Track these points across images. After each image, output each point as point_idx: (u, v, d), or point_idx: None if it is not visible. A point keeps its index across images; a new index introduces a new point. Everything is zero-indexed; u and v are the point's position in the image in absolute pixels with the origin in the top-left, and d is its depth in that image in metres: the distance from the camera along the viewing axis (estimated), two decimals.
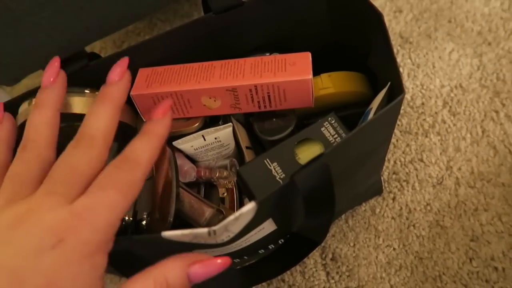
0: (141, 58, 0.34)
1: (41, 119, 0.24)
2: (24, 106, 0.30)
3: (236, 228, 0.25)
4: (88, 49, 0.41)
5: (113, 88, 0.25)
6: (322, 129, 0.31)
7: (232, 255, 0.31)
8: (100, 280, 0.21)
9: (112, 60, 0.32)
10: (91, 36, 0.40)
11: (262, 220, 0.28)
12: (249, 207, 0.23)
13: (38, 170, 0.23)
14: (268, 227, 0.29)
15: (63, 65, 0.33)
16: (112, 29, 0.41)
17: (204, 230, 0.23)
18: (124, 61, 0.26)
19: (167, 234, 0.23)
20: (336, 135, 0.31)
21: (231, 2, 0.32)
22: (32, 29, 0.34)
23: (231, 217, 0.23)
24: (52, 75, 0.25)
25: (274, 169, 0.30)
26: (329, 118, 0.31)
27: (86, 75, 0.31)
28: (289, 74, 0.29)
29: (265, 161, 0.30)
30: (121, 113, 0.25)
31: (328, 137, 0.31)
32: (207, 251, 0.28)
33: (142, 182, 0.23)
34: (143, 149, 0.23)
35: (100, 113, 0.24)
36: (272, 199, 0.25)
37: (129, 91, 0.31)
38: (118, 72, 0.26)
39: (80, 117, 0.27)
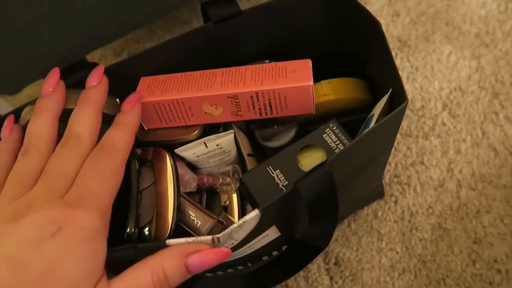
0: (142, 67, 0.34)
1: (41, 125, 0.25)
2: (26, 109, 0.31)
3: (240, 236, 0.25)
4: (88, 57, 0.41)
5: (92, 91, 0.27)
6: (324, 135, 0.31)
7: (235, 262, 0.31)
8: (101, 265, 0.22)
9: (113, 69, 0.33)
10: (91, 45, 0.40)
11: (266, 228, 0.28)
12: (253, 214, 0.24)
13: (39, 171, 0.24)
14: (271, 234, 0.29)
15: (65, 75, 0.33)
16: (112, 38, 0.41)
17: (209, 237, 0.23)
18: (100, 68, 0.28)
19: (172, 242, 0.23)
20: (338, 142, 0.31)
21: (230, 11, 0.32)
22: (33, 39, 0.34)
23: (235, 225, 0.23)
24: (51, 85, 0.27)
25: (277, 176, 0.30)
26: (331, 125, 0.32)
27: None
28: (290, 81, 0.30)
29: (267, 168, 0.30)
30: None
31: (330, 144, 0.31)
32: None
33: (122, 167, 0.24)
34: (119, 137, 0.25)
35: (83, 114, 0.26)
36: (275, 207, 0.25)
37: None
38: (95, 77, 0.28)
39: None
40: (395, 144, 0.47)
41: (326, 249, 0.43)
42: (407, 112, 0.49)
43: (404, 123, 0.48)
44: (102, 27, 0.38)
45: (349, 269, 0.42)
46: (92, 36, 0.39)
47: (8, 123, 0.28)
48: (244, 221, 0.23)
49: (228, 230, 0.23)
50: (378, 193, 0.43)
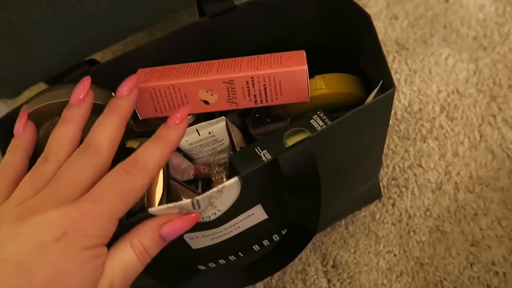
0: (140, 61, 0.34)
1: (65, 135, 0.25)
2: (23, 108, 0.31)
3: (222, 205, 0.25)
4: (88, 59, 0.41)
5: (121, 101, 0.27)
6: (311, 121, 0.33)
7: (226, 249, 0.31)
8: (102, 268, 0.22)
9: (111, 65, 0.33)
10: (91, 48, 0.41)
11: (250, 204, 0.28)
12: (232, 181, 0.24)
13: (52, 177, 0.24)
14: (258, 214, 0.29)
15: (65, 73, 0.34)
16: (111, 41, 0.42)
17: (188, 201, 0.23)
18: (133, 78, 0.28)
19: (154, 209, 0.24)
20: (324, 125, 0.32)
21: (225, 6, 0.32)
22: (33, 43, 0.35)
23: (214, 189, 0.24)
24: (81, 94, 0.27)
25: (264, 155, 0.31)
26: (318, 112, 0.33)
27: None
28: (285, 66, 0.30)
29: (255, 149, 0.31)
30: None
31: (316, 128, 0.32)
32: (197, 234, 0.29)
33: (146, 187, 0.24)
34: (154, 155, 0.24)
35: (107, 123, 0.25)
36: (256, 179, 0.25)
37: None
38: (128, 87, 0.27)
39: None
40: (393, 146, 0.48)
41: (324, 251, 0.43)
42: (405, 114, 0.49)
43: (402, 126, 0.49)
44: (102, 30, 0.39)
45: (346, 271, 0.42)
46: (92, 40, 0.39)
47: (21, 119, 0.28)
48: (223, 186, 0.24)
49: (207, 193, 0.23)
50: (375, 193, 0.43)
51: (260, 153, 0.31)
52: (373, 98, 0.29)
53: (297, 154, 0.25)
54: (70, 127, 0.26)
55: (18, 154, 0.26)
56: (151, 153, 0.24)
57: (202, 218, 0.26)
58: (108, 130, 0.25)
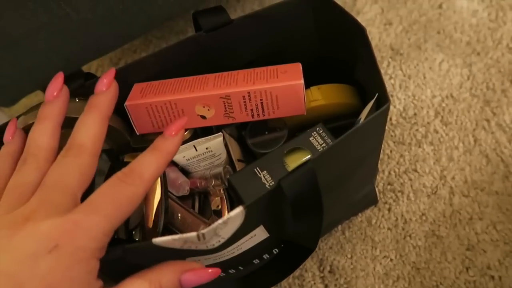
0: (137, 75, 0.34)
1: (42, 133, 0.25)
2: (20, 120, 0.31)
3: (226, 233, 0.25)
4: (85, 67, 0.41)
5: (100, 97, 0.25)
6: (311, 138, 0.32)
7: (226, 265, 0.31)
8: (94, 283, 0.22)
9: None
10: (87, 56, 0.41)
11: (253, 227, 0.28)
12: (237, 211, 0.24)
13: (36, 182, 0.23)
14: (259, 234, 0.29)
15: None
16: (108, 49, 0.42)
17: (193, 234, 0.23)
18: (110, 72, 0.26)
19: (158, 240, 0.23)
20: (324, 144, 0.32)
21: (221, 20, 0.33)
22: (30, 51, 0.35)
23: (220, 221, 0.23)
24: (55, 90, 0.26)
25: (264, 177, 0.31)
26: (317, 128, 0.32)
27: (82, 94, 0.32)
28: (281, 80, 0.30)
29: (255, 169, 0.31)
30: (111, 120, 0.26)
31: (316, 146, 0.32)
32: (199, 258, 0.28)
33: (142, 197, 0.23)
34: (150, 164, 0.24)
35: (88, 121, 0.24)
36: (260, 205, 0.25)
37: (123, 102, 0.32)
38: (105, 83, 0.26)
39: (72, 121, 0.28)
40: (388, 151, 0.48)
41: (321, 256, 0.44)
42: (400, 120, 0.50)
43: (397, 131, 0.49)
44: (98, 38, 0.39)
45: (343, 277, 0.42)
46: (88, 48, 0.39)
47: (10, 127, 0.27)
48: (228, 218, 0.24)
49: (212, 226, 0.23)
50: (371, 199, 0.44)
51: (260, 174, 0.30)
52: (369, 111, 0.30)
53: (299, 177, 0.24)
54: (46, 125, 0.25)
55: (6, 160, 0.25)
56: (147, 163, 0.24)
57: (206, 246, 0.25)
58: (90, 128, 0.24)
